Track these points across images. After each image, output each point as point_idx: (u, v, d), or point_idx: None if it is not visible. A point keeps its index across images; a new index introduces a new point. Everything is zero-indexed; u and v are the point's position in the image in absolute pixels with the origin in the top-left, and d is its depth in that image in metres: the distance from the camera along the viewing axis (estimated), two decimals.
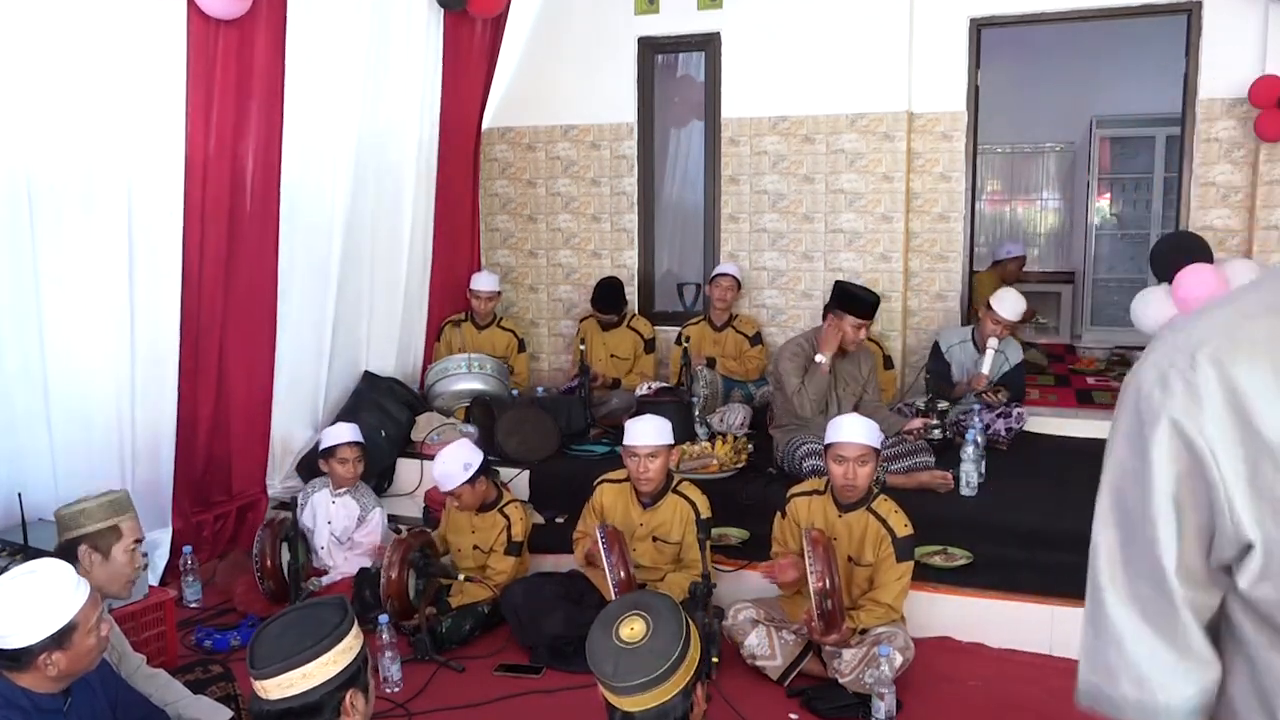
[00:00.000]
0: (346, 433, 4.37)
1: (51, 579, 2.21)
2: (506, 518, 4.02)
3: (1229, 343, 0.84)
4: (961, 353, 5.11)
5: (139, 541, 2.88)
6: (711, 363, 5.49)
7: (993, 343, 4.88)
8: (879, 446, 3.54)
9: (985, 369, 4.87)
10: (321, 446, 4.38)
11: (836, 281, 4.75)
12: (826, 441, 3.54)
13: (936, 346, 5.20)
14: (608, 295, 5.74)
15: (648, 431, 3.74)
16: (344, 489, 4.37)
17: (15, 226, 3.65)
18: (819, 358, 4.50)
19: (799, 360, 4.56)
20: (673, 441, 3.84)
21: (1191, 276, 4.49)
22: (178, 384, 4.25)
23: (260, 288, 4.61)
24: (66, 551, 2.72)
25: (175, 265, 4.16)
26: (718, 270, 5.72)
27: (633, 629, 2.10)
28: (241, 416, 4.66)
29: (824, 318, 4.67)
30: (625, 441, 3.79)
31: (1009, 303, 4.93)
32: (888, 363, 5.42)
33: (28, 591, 2.18)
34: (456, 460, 3.94)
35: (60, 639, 2.17)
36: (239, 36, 4.23)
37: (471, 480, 3.93)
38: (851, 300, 4.49)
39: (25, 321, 3.75)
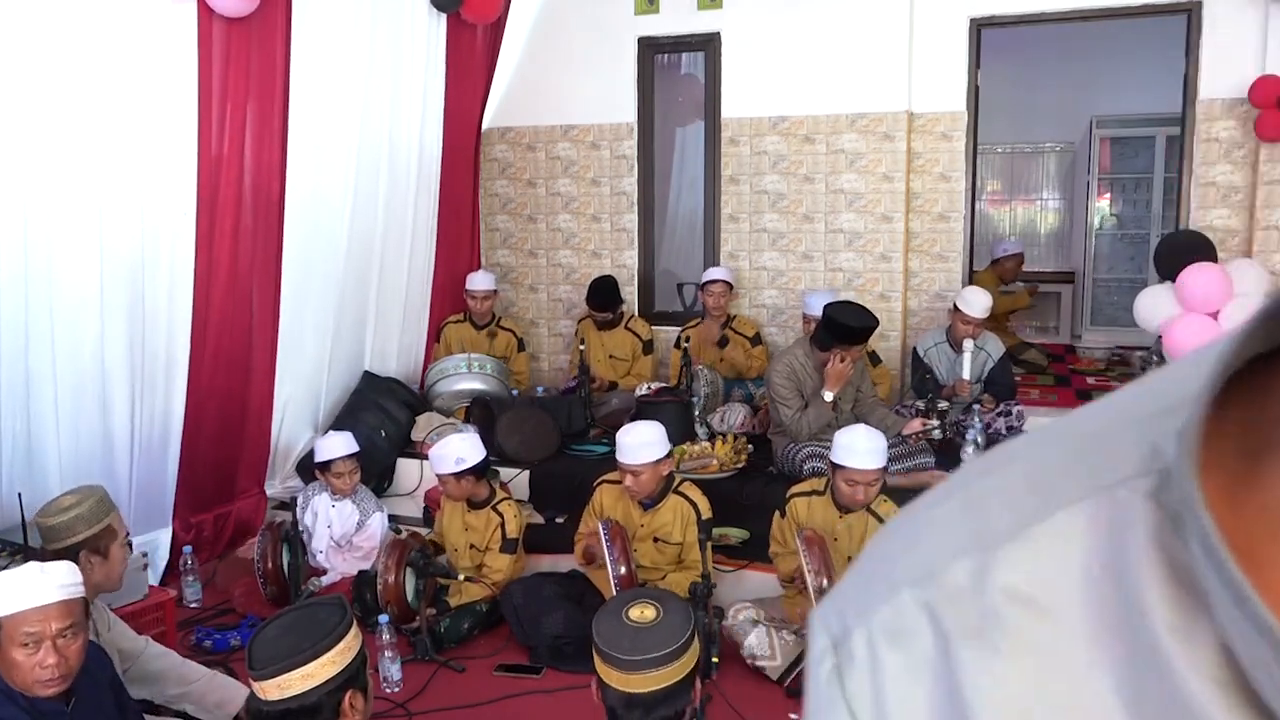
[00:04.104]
0: (340, 445, 4.28)
1: (10, 578, 2.16)
2: (500, 515, 4.01)
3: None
4: (939, 354, 5.07)
5: (127, 534, 2.90)
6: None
7: (968, 344, 4.84)
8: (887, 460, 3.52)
9: (965, 374, 4.82)
10: (316, 459, 4.32)
11: (826, 310, 4.46)
12: (838, 462, 3.50)
13: (915, 352, 5.14)
14: (601, 293, 5.70)
15: (632, 448, 3.68)
16: (342, 495, 4.36)
17: (28, 227, 3.65)
18: (826, 395, 4.39)
19: (792, 385, 4.46)
20: (661, 456, 3.71)
21: (1195, 275, 4.49)
22: (186, 387, 4.26)
23: (265, 289, 4.62)
24: (66, 558, 2.71)
25: (187, 268, 4.16)
26: (707, 277, 5.58)
27: (643, 612, 2.13)
28: (245, 418, 4.66)
29: (812, 340, 4.48)
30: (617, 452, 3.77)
31: (975, 301, 4.89)
32: (873, 358, 5.36)
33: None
34: (454, 451, 3.94)
35: None
36: (247, 40, 4.23)
37: (459, 475, 3.92)
38: (851, 333, 4.32)
39: (36, 323, 3.75)
